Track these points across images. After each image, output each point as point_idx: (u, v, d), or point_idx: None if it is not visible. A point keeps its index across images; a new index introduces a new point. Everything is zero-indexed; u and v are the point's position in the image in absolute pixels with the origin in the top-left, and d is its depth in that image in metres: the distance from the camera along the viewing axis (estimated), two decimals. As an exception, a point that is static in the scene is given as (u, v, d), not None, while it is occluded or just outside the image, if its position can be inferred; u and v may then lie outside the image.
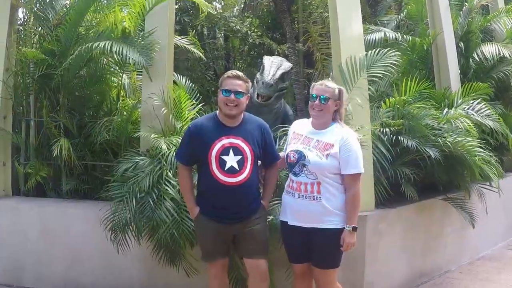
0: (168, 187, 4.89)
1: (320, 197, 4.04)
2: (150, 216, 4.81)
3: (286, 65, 6.74)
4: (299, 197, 4.14)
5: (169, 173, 4.98)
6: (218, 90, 4.23)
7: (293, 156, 4.17)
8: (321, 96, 4.12)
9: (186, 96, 5.68)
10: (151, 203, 4.81)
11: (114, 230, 4.97)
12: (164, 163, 5.04)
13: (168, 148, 5.11)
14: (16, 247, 5.97)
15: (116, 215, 4.93)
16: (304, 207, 4.11)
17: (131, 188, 4.94)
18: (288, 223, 4.23)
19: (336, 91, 4.16)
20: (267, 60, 6.71)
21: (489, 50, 7.70)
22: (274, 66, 6.49)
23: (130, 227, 4.93)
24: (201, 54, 8.36)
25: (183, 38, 8.04)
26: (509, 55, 7.75)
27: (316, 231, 4.07)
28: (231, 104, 4.11)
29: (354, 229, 4.02)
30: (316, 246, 4.14)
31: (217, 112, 4.31)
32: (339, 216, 4.05)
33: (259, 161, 4.36)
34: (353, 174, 4.02)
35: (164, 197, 4.85)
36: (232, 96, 4.10)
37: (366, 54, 5.77)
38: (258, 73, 6.66)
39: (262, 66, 6.62)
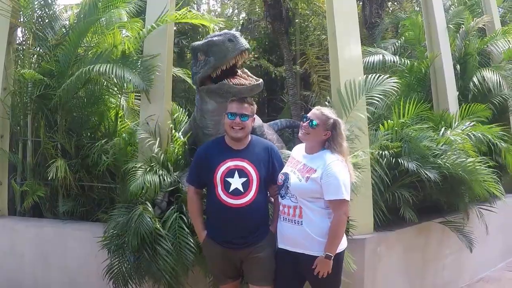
0: (160, 241, 4.74)
1: (301, 222, 3.96)
2: (146, 269, 4.77)
3: None
4: (284, 220, 4.09)
5: (157, 225, 4.80)
6: (224, 114, 4.22)
7: (281, 179, 4.14)
8: (312, 121, 4.06)
9: (181, 118, 5.66)
10: (147, 256, 4.73)
11: (115, 281, 4.89)
12: (150, 209, 4.91)
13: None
14: (12, 268, 5.93)
15: (115, 267, 4.89)
16: (288, 231, 4.06)
17: (125, 243, 4.88)
18: (278, 246, 4.19)
19: (330, 121, 4.04)
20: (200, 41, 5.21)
21: (490, 77, 7.81)
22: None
23: (130, 279, 4.88)
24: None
25: (179, 71, 8.09)
26: (508, 85, 7.83)
27: (304, 256, 3.99)
28: (237, 127, 4.11)
29: (328, 257, 3.87)
30: (306, 272, 4.06)
31: (225, 135, 4.30)
32: (323, 243, 3.91)
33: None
34: (333, 200, 3.88)
35: (158, 252, 4.72)
36: (238, 119, 4.10)
37: (366, 78, 5.79)
38: (197, 70, 5.08)
39: (200, 50, 5.00)
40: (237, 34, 4.85)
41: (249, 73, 5.02)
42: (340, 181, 3.85)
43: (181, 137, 5.61)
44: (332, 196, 3.85)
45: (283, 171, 4.20)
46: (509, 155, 7.25)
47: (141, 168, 5.05)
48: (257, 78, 4.90)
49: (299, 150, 4.29)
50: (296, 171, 4.06)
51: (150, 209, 4.88)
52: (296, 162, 4.16)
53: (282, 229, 4.12)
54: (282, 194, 4.11)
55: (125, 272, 4.83)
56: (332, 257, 3.87)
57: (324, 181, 3.87)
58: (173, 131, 5.62)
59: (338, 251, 3.95)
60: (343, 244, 4.04)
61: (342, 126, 4.07)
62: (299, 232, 3.97)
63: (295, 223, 3.99)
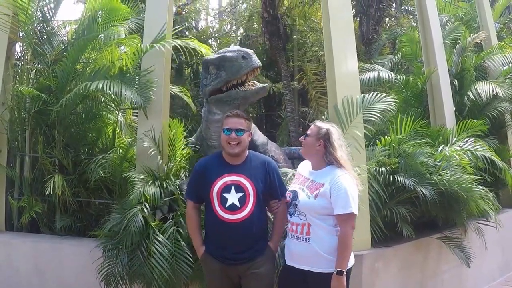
0: (156, 245, 4.79)
1: (309, 239, 3.95)
2: (138, 270, 4.78)
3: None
4: (292, 237, 4.09)
5: (155, 229, 4.89)
6: (221, 130, 4.25)
7: (289, 196, 4.15)
8: (306, 134, 4.15)
9: (181, 134, 5.67)
10: (141, 257, 4.78)
11: (107, 282, 4.94)
12: (147, 213, 4.96)
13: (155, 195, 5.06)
14: (9, 283, 5.89)
15: (108, 267, 4.93)
16: (296, 248, 4.05)
17: (119, 243, 4.92)
18: (286, 263, 4.17)
19: (322, 131, 4.07)
20: (211, 56, 5.64)
21: (483, 88, 7.79)
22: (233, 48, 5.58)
23: (121, 279, 4.91)
24: (192, 104, 8.61)
25: (176, 88, 8.18)
26: (503, 93, 7.83)
27: (311, 273, 3.97)
28: (233, 143, 4.13)
29: (339, 272, 3.84)
30: None
31: (222, 150, 4.32)
32: (330, 260, 3.89)
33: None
34: (342, 214, 3.86)
35: (152, 254, 4.77)
36: (233, 134, 4.12)
37: (363, 97, 5.81)
38: (208, 82, 5.40)
39: (213, 64, 5.35)
40: (250, 52, 5.21)
41: (255, 82, 5.35)
42: (349, 194, 3.85)
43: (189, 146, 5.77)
44: (341, 210, 3.84)
45: (290, 188, 4.22)
46: (509, 175, 7.27)
47: (141, 180, 5.15)
48: (263, 84, 5.31)
49: (305, 167, 4.30)
50: (304, 188, 4.07)
51: (146, 210, 4.93)
52: (304, 179, 4.17)
53: (290, 246, 4.12)
54: (290, 212, 4.11)
55: (117, 273, 4.86)
56: (344, 273, 3.85)
57: (334, 195, 3.87)
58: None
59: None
60: (350, 261, 4.02)
61: (334, 136, 4.05)
62: (306, 249, 3.96)
63: (303, 240, 3.98)
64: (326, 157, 4.04)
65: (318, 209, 3.93)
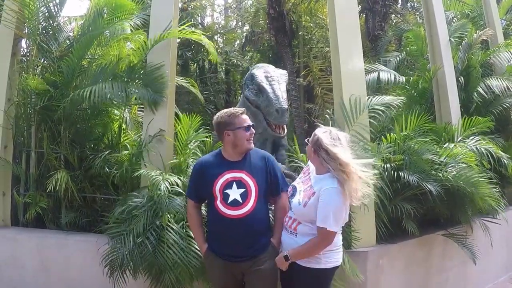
0: (169, 232, 4.81)
1: (296, 234, 4.00)
2: (146, 257, 4.79)
3: (282, 74, 6.28)
4: (285, 229, 4.15)
5: (168, 216, 4.89)
6: (231, 131, 4.15)
7: (290, 191, 4.21)
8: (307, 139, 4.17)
9: (191, 127, 5.68)
10: (149, 246, 4.78)
11: (111, 267, 4.94)
12: (159, 204, 4.99)
13: (168, 188, 5.08)
14: (14, 278, 5.91)
15: (114, 253, 4.93)
16: (285, 240, 4.11)
17: (128, 229, 4.94)
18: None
19: (315, 137, 3.99)
20: (260, 76, 6.09)
21: (496, 84, 7.93)
22: (275, 83, 5.98)
23: (128, 265, 4.88)
24: (199, 94, 8.62)
25: (183, 79, 8.17)
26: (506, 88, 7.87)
27: (293, 265, 4.00)
28: (251, 138, 4.19)
29: (286, 258, 3.95)
30: (295, 281, 4.06)
31: (221, 149, 4.30)
32: (315, 257, 3.94)
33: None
34: (320, 227, 3.82)
35: (163, 241, 4.78)
36: (252, 129, 4.19)
37: (371, 99, 5.84)
38: (249, 92, 6.14)
39: (256, 86, 6.02)
40: (285, 108, 5.75)
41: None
42: (330, 210, 3.81)
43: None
44: (320, 224, 3.83)
45: (294, 183, 4.26)
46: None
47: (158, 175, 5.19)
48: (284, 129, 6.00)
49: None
50: (302, 191, 4.07)
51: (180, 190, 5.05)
52: (308, 179, 4.16)
53: (283, 237, 4.17)
54: (289, 206, 4.16)
55: (123, 258, 4.85)
56: (289, 260, 3.95)
57: (318, 206, 3.84)
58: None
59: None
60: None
61: (324, 142, 3.89)
62: (292, 243, 4.01)
63: (291, 233, 4.05)
64: (323, 165, 3.96)
65: (305, 217, 3.96)
